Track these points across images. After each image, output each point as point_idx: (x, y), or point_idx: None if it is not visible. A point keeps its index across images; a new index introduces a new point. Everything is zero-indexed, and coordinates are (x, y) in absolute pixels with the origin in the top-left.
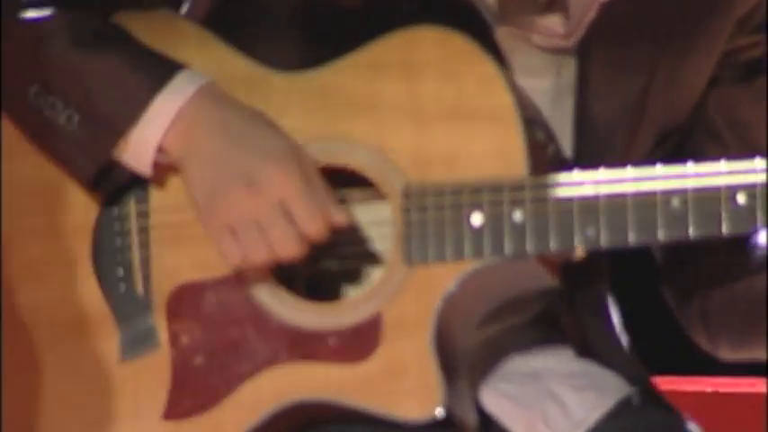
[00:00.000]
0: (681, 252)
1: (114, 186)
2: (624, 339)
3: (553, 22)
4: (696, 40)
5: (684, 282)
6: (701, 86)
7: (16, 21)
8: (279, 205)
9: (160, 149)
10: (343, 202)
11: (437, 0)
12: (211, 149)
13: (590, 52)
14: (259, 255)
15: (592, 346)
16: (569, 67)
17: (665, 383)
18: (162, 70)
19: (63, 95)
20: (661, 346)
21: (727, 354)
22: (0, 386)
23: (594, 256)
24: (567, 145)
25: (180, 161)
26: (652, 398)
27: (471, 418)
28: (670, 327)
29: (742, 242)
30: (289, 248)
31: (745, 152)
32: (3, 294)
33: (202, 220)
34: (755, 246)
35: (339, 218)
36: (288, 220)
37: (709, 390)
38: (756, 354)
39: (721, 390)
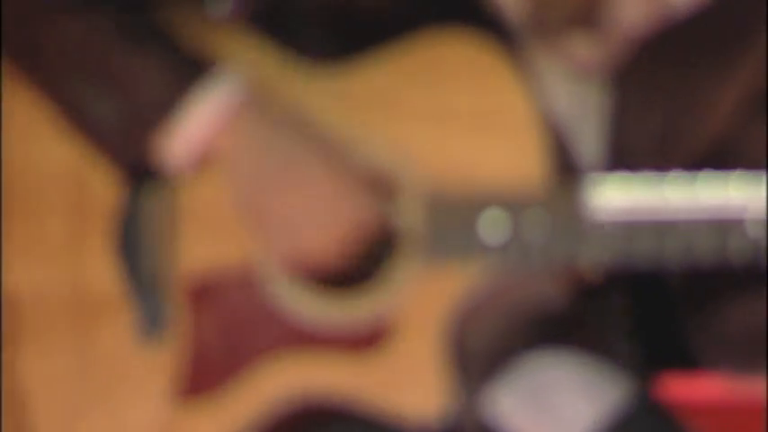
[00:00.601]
0: (699, 282)
1: (149, 177)
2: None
3: (582, 52)
4: (727, 79)
5: (701, 311)
6: (731, 122)
7: (59, 11)
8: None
9: (201, 142)
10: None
11: (462, 5)
12: (259, 139)
13: (623, 83)
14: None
15: (599, 353)
16: (600, 87)
17: (666, 389)
18: (201, 65)
19: (105, 85)
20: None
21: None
22: (0, 365)
23: (612, 274)
24: (589, 161)
25: (222, 151)
26: (656, 405)
27: (471, 420)
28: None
29: (763, 276)
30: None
31: None
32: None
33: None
34: None
35: None
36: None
37: (708, 400)
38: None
39: (722, 401)
